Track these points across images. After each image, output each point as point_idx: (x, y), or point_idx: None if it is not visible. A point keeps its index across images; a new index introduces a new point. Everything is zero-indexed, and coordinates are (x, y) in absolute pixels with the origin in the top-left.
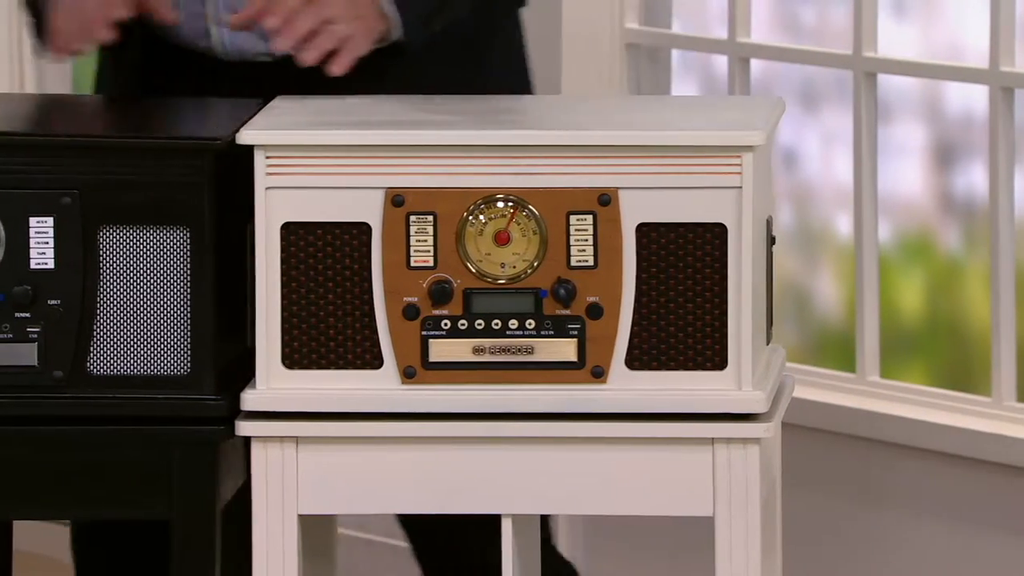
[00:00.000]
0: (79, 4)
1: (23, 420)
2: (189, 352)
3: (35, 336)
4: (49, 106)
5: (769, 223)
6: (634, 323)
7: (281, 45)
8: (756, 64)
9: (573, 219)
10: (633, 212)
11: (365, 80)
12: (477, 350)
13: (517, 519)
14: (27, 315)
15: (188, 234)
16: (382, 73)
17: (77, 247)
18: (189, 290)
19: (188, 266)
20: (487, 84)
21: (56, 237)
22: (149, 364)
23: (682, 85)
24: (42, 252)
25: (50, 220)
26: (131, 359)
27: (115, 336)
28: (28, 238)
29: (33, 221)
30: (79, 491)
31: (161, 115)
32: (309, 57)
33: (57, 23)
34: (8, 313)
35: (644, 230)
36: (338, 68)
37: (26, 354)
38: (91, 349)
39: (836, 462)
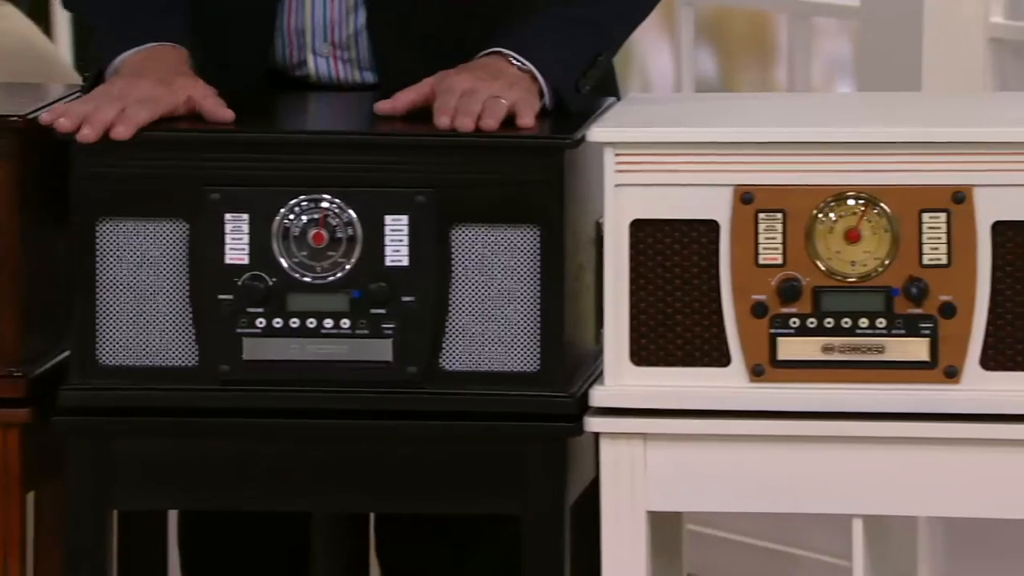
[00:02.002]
0: (126, 91)
1: (378, 415)
2: (539, 349)
3: (390, 332)
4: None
5: None
6: (989, 322)
7: (465, 125)
8: None
9: (926, 217)
10: (988, 210)
11: None
12: (826, 348)
13: (868, 520)
14: (383, 312)
15: (539, 232)
16: None
17: (431, 245)
18: (539, 288)
19: (539, 264)
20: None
21: (411, 235)
22: (500, 361)
23: None
24: (397, 250)
25: (405, 218)
26: (482, 356)
27: (467, 333)
28: (384, 236)
29: (388, 219)
30: (432, 486)
31: None
32: (489, 125)
33: (88, 104)
34: (364, 310)
35: (1000, 228)
36: (527, 120)
37: (381, 350)
38: (444, 346)
39: None
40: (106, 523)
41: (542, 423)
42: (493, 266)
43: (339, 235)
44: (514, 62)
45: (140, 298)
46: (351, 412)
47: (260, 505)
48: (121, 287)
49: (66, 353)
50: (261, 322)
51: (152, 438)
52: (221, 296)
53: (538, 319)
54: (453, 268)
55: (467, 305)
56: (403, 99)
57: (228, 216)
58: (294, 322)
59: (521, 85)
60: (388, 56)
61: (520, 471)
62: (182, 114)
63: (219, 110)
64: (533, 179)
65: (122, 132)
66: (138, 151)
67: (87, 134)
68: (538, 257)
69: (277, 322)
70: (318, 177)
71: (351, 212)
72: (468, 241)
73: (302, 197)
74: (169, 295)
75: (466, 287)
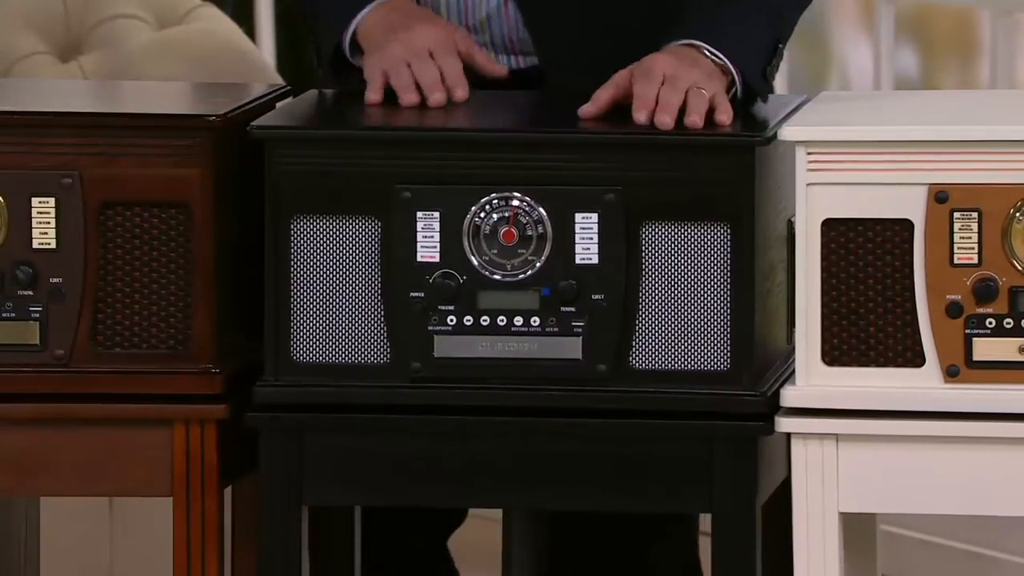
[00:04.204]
0: (413, 41)
1: (567, 413)
2: (729, 348)
3: (580, 330)
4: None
5: None
6: None
7: (665, 123)
8: None
9: None
10: None
11: None
12: (1023, 349)
13: None
14: (572, 309)
15: (729, 231)
16: None
17: (621, 243)
18: (729, 286)
19: (729, 263)
20: None
21: (600, 233)
22: (690, 359)
23: None
24: (587, 248)
25: (594, 216)
26: (672, 354)
27: (657, 331)
28: (573, 234)
29: (578, 217)
30: (621, 484)
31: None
32: (695, 123)
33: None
34: (554, 308)
35: None
36: (726, 116)
37: (571, 348)
38: (633, 344)
39: None
40: (298, 518)
41: (732, 422)
42: (683, 264)
43: (529, 233)
44: (707, 54)
45: (333, 295)
46: (540, 409)
47: (450, 501)
48: (314, 284)
49: (261, 349)
50: (452, 320)
51: (344, 434)
52: (413, 294)
53: (728, 317)
54: (643, 266)
55: (657, 303)
56: (603, 97)
57: (420, 214)
58: (484, 320)
59: (717, 76)
60: (539, 35)
61: (710, 470)
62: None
63: (491, 64)
64: (724, 177)
65: (461, 94)
66: (331, 149)
67: (414, 100)
68: (728, 255)
69: (468, 320)
70: (508, 175)
71: (541, 210)
72: (658, 239)
73: (493, 195)
74: (361, 292)
75: (656, 285)
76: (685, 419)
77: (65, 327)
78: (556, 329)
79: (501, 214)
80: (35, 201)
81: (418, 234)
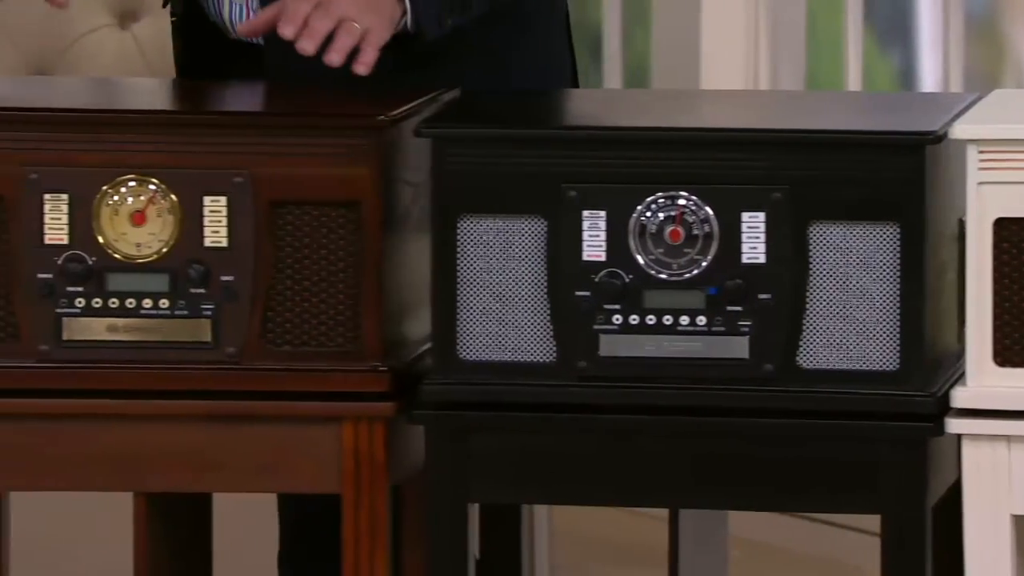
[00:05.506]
0: None
1: (734, 412)
2: (899, 348)
3: (747, 330)
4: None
5: None
6: None
7: (304, 48)
8: None
9: None
10: None
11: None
12: None
13: None
14: (739, 309)
15: (899, 230)
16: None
17: (787, 242)
18: (899, 286)
19: (899, 262)
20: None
21: (767, 232)
22: (858, 359)
23: None
24: (753, 247)
25: (761, 215)
26: (840, 354)
27: (824, 331)
28: (740, 233)
29: (745, 216)
30: (787, 484)
31: (872, 107)
32: (334, 59)
33: None
34: (721, 307)
35: None
36: (363, 68)
37: (738, 348)
38: (800, 343)
39: None
40: (465, 515)
41: (902, 423)
42: (851, 263)
43: (695, 232)
44: None
45: (499, 294)
46: (707, 409)
47: (615, 501)
48: (481, 283)
49: (428, 346)
50: (618, 319)
51: (510, 432)
52: (579, 293)
53: (898, 317)
54: (810, 265)
55: (825, 303)
56: (262, 18)
57: (586, 213)
58: (650, 319)
59: (380, 8)
60: None
61: (879, 471)
62: None
63: None
64: (893, 176)
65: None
66: (498, 148)
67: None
68: (898, 255)
69: (633, 319)
70: (674, 174)
71: (707, 209)
72: (826, 238)
73: (659, 194)
74: (527, 291)
75: (824, 284)
76: (853, 419)
77: (236, 325)
78: (723, 329)
79: (667, 213)
80: (207, 200)
81: (584, 233)
